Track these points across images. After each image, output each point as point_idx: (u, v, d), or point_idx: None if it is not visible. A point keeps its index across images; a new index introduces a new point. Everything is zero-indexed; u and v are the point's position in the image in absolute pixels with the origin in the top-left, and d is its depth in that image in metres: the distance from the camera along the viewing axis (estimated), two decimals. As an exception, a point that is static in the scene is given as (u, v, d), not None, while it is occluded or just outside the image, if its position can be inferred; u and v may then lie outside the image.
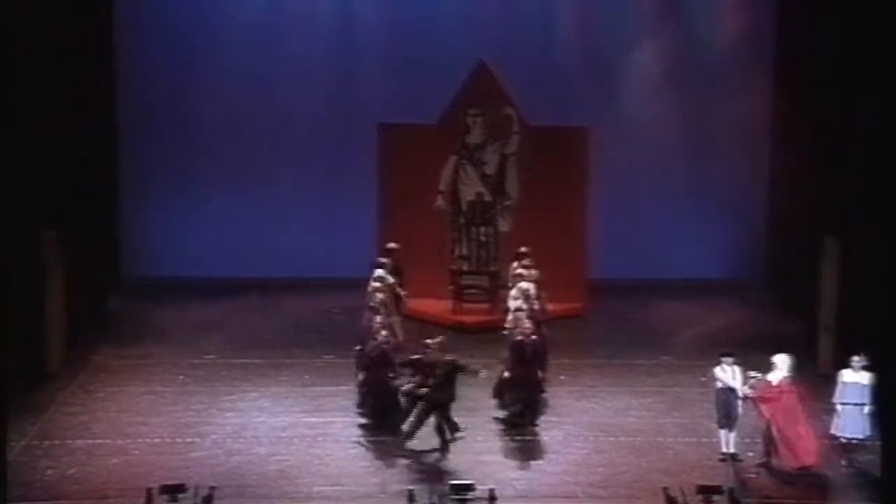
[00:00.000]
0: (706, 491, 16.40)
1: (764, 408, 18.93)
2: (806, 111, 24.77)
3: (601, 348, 23.02)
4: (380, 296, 21.75)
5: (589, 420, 20.63)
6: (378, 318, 20.97)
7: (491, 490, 16.57)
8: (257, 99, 27.30)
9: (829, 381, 20.57)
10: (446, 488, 16.39)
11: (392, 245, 23.55)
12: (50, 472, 18.76)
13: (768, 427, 18.91)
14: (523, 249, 23.13)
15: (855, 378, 19.04)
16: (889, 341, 18.11)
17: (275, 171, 27.27)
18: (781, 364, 19.05)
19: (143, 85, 27.04)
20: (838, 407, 19.14)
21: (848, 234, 22.36)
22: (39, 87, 22.12)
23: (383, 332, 20.50)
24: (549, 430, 20.37)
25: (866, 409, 18.93)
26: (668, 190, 27.13)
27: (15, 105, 19.48)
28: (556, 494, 18.36)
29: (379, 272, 22.37)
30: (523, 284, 22.15)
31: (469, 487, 16.28)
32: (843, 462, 19.06)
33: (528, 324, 20.73)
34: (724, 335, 22.93)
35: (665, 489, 17.10)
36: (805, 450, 18.75)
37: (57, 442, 19.76)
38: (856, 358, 19.12)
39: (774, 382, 18.90)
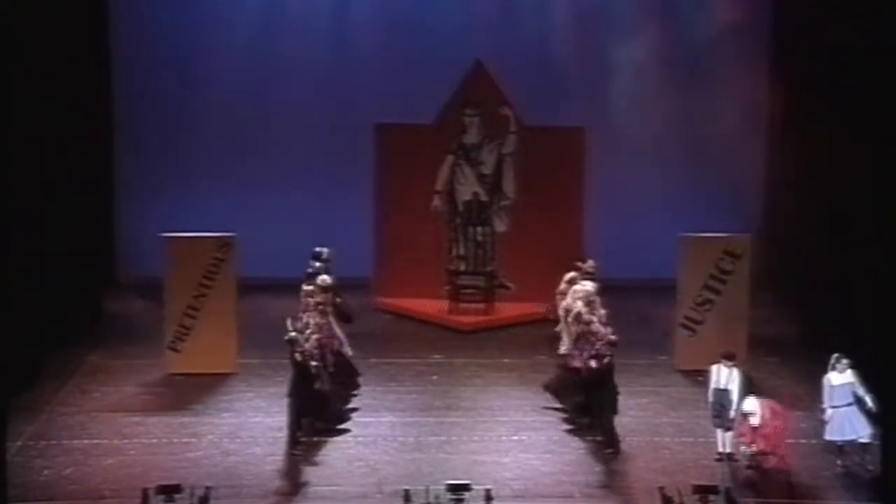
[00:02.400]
0: (702, 491, 16.37)
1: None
2: (804, 109, 24.75)
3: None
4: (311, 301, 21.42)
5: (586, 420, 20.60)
6: (311, 325, 20.75)
7: (487, 490, 16.55)
8: (254, 99, 27.30)
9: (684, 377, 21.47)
10: (443, 488, 16.36)
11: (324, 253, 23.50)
12: (46, 472, 18.74)
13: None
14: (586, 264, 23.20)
15: (842, 380, 18.90)
16: (888, 340, 18.17)
17: (271, 170, 27.25)
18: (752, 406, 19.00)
19: (139, 83, 27.03)
20: (829, 411, 18.97)
21: (847, 233, 22.36)
22: (35, 87, 22.11)
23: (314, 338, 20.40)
24: (545, 429, 20.36)
25: (868, 403, 18.76)
26: (666, 189, 27.09)
27: (9, 104, 19.46)
28: (553, 494, 18.35)
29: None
30: (587, 286, 21.95)
31: (465, 487, 16.26)
32: (839, 462, 19.02)
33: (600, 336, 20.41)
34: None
35: (661, 489, 17.06)
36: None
37: (53, 442, 19.74)
38: (841, 361, 18.94)
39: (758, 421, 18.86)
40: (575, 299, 21.58)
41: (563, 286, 22.48)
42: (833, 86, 23.08)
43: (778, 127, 26.44)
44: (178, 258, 22.65)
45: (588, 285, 21.82)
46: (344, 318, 22.12)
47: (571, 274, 22.63)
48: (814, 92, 24.12)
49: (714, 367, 19.43)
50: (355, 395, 21.32)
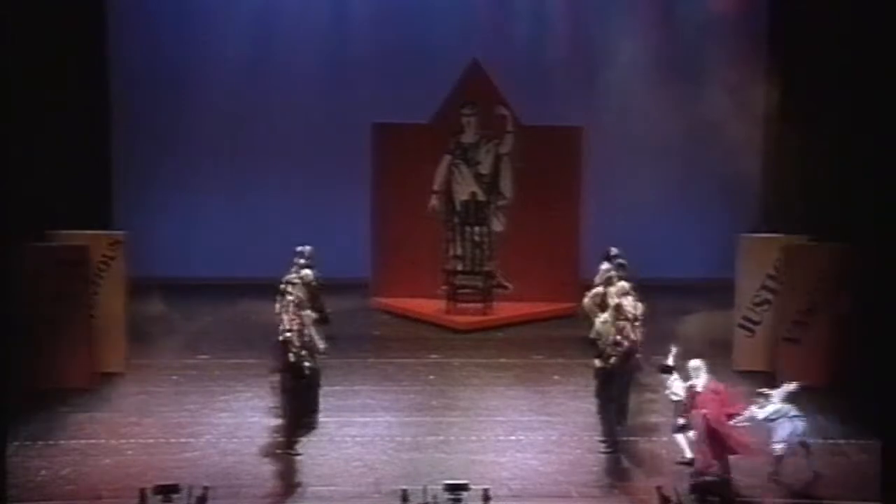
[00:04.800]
0: (700, 490, 16.37)
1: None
2: (804, 106, 24.72)
3: (595, 348, 22.96)
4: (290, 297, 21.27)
5: (583, 420, 20.58)
6: (286, 322, 20.58)
7: (485, 490, 16.54)
8: (251, 99, 27.29)
9: (743, 377, 21.42)
10: (440, 488, 16.35)
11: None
12: (43, 472, 18.71)
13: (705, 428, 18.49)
14: (614, 251, 23.17)
15: (764, 414, 18.62)
16: (887, 341, 18.15)
17: (268, 171, 27.28)
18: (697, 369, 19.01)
19: (137, 85, 27.02)
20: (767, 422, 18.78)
21: (846, 232, 22.32)
22: (32, 87, 22.09)
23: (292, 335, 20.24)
24: (543, 429, 20.36)
25: (792, 413, 18.60)
26: (664, 188, 27.09)
27: (7, 105, 19.43)
28: (551, 494, 18.34)
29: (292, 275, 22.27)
30: (623, 284, 21.92)
31: (463, 487, 16.25)
32: (771, 471, 18.63)
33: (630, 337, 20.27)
34: (719, 335, 22.89)
35: (659, 489, 17.08)
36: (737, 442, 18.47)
37: (51, 442, 19.73)
38: (762, 398, 18.82)
39: (700, 387, 18.75)
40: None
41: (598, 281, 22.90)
42: (833, 82, 23.05)
43: (777, 124, 26.41)
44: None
45: (625, 283, 21.92)
46: (322, 318, 22.05)
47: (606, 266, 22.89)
48: (814, 89, 24.09)
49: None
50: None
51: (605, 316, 20.68)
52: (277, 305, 21.29)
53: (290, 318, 20.37)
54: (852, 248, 22.17)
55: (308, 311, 21.01)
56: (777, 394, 18.74)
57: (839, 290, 21.94)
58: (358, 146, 26.03)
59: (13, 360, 19.40)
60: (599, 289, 22.70)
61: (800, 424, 18.56)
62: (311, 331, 20.78)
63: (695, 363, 19.06)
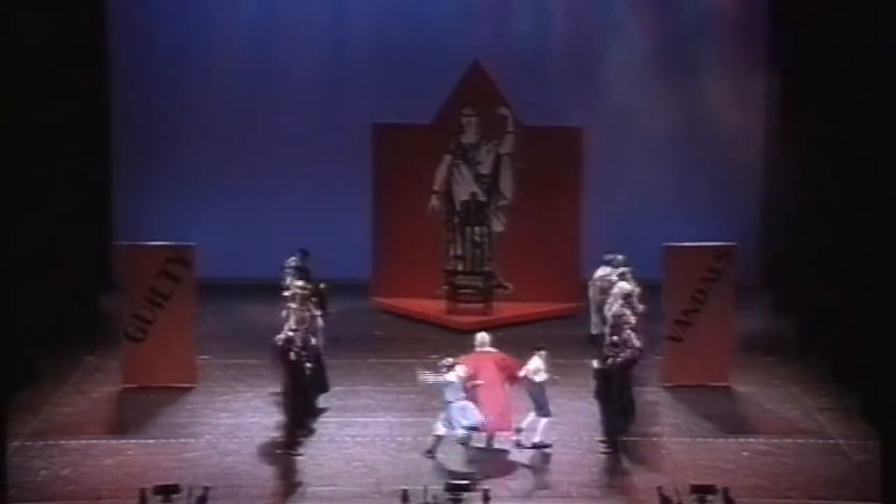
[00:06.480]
0: (700, 490, 16.37)
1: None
2: (804, 106, 24.71)
3: (595, 348, 22.99)
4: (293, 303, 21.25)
5: (583, 420, 20.60)
6: (292, 323, 20.57)
7: (485, 490, 16.55)
8: (252, 100, 27.31)
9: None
10: (440, 488, 16.36)
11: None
12: (43, 472, 18.74)
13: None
14: (609, 256, 23.32)
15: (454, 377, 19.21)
16: (887, 341, 18.14)
17: (269, 171, 27.26)
18: (481, 342, 19.89)
19: (138, 86, 27.06)
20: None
21: (846, 232, 22.33)
22: (32, 86, 22.10)
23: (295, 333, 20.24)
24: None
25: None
26: (664, 189, 27.11)
27: (7, 104, 19.43)
28: (551, 494, 18.36)
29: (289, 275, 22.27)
30: (625, 286, 21.89)
31: (464, 487, 16.26)
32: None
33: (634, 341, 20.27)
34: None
35: (659, 489, 17.06)
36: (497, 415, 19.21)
37: (51, 442, 19.74)
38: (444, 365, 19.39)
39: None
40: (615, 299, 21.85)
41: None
42: (834, 81, 23.03)
43: (778, 124, 26.43)
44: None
45: (626, 285, 22.09)
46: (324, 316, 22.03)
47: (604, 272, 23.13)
48: (814, 89, 24.08)
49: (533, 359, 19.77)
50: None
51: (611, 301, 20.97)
52: (287, 304, 21.27)
53: (296, 318, 20.39)
54: (733, 248, 22.29)
55: (317, 313, 21.09)
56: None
57: (720, 291, 22.07)
58: (358, 146, 26.04)
59: (14, 360, 19.42)
60: (604, 271, 22.75)
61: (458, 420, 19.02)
62: (319, 334, 20.83)
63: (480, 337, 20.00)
